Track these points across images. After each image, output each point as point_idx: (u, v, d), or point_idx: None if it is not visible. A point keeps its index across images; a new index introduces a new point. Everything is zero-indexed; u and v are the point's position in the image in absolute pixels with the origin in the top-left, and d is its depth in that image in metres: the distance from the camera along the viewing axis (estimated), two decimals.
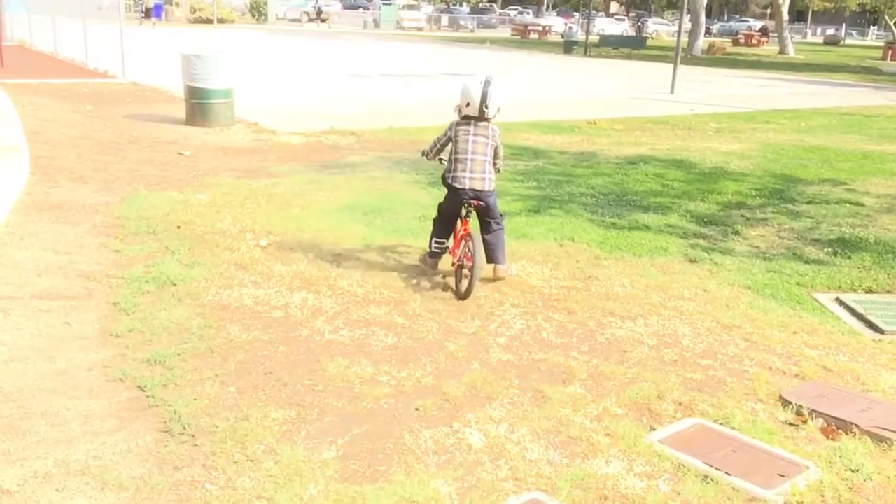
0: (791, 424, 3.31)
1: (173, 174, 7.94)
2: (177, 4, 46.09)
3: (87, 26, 17.77)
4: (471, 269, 4.61)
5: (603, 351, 4.04)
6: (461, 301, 4.68)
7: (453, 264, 4.93)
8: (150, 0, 39.07)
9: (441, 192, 5.17)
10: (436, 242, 5.04)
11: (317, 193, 7.23)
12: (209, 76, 10.78)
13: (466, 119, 4.84)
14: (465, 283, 4.70)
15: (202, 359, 3.76)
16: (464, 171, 4.78)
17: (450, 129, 4.92)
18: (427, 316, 4.41)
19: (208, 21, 40.77)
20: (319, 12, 53.71)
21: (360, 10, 57.12)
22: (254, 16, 48.32)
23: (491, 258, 4.91)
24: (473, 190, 4.75)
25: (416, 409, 3.34)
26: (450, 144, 4.94)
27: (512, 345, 4.06)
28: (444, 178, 4.98)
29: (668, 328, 4.40)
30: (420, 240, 5.93)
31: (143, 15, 35.96)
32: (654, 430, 3.22)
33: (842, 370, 3.90)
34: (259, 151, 9.47)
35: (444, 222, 5.04)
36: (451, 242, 5.03)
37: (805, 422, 3.30)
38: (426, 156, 5.21)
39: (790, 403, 3.42)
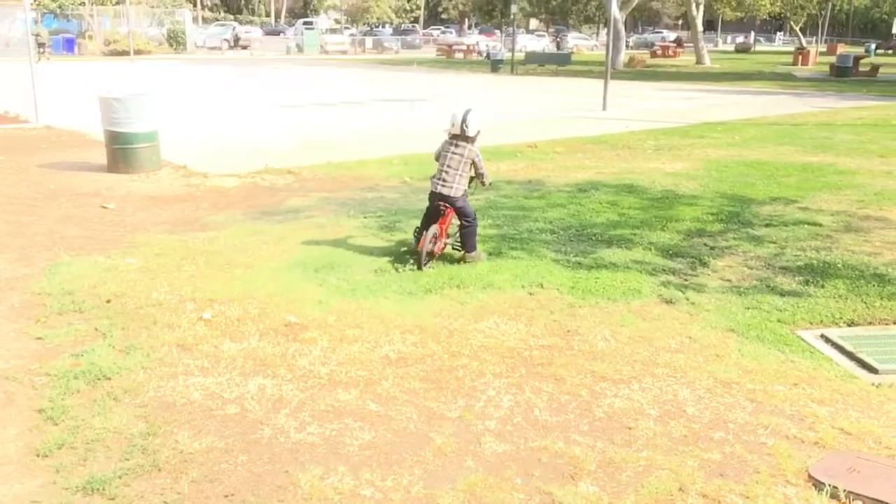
0: None
1: (98, 233, 7.25)
2: (90, 37, 44.29)
3: None
4: (419, 252, 6.08)
5: (605, 429, 3.65)
6: (420, 271, 6.00)
7: (418, 246, 6.21)
8: (43, 35, 37.06)
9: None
10: (416, 231, 6.39)
11: (260, 248, 6.68)
12: (131, 119, 10.07)
13: (453, 138, 6.15)
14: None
15: (148, 480, 3.21)
16: (438, 178, 6.16)
17: (441, 145, 6.26)
18: (403, 398, 3.94)
19: (124, 53, 39.22)
20: (237, 39, 52.59)
21: (281, 34, 56.31)
22: (171, 45, 46.83)
23: (462, 248, 6.33)
24: (441, 194, 6.13)
25: None
26: None
27: (504, 430, 3.63)
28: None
29: (666, 392, 4.06)
30: (381, 298, 5.48)
31: (41, 50, 34.13)
32: None
33: (860, 432, 3.62)
34: (191, 199, 8.83)
35: (425, 217, 6.35)
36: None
37: None
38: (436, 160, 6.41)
39: (823, 484, 3.10)
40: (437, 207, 6.19)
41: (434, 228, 6.16)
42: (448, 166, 6.09)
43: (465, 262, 6.27)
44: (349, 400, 3.91)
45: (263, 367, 4.29)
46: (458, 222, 6.31)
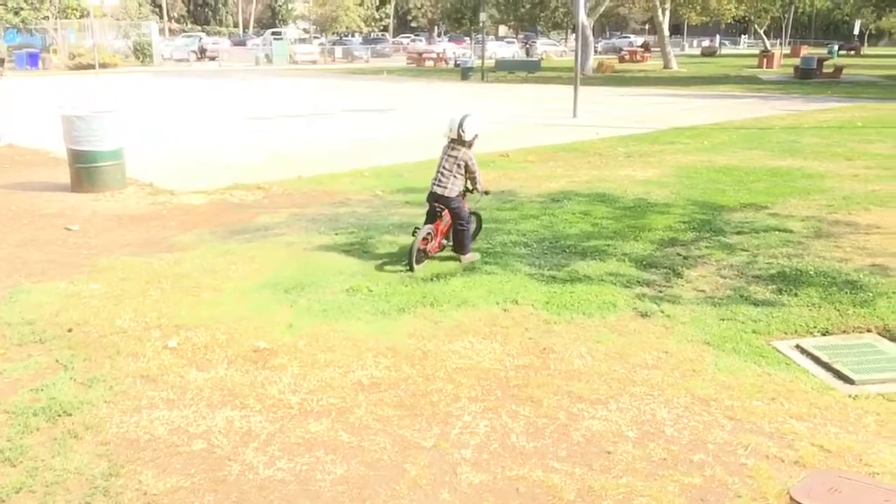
0: None
1: (61, 257, 7.05)
2: (55, 51, 43.58)
3: None
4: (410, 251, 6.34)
5: (583, 454, 3.58)
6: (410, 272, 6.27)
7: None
8: (2, 50, 36.27)
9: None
10: (415, 231, 6.53)
11: (229, 269, 6.53)
12: (94, 137, 9.84)
13: (451, 142, 6.46)
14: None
15: None
16: (434, 179, 6.50)
17: (442, 148, 6.57)
18: (376, 427, 3.83)
19: (90, 67, 38.65)
20: (204, 51, 52.15)
21: (250, 44, 55.99)
22: (138, 58, 46.30)
23: (455, 250, 6.65)
24: (435, 194, 6.47)
25: None
26: None
27: (481, 458, 3.54)
28: None
29: (644, 412, 3.99)
30: (353, 319, 5.37)
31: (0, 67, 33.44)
32: None
33: (839, 449, 3.59)
34: (158, 218, 8.64)
35: (426, 217, 6.64)
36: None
37: None
38: None
39: None
40: (433, 208, 6.53)
41: (427, 228, 6.45)
42: (443, 167, 6.43)
43: (460, 262, 6.54)
44: (320, 431, 3.79)
45: (231, 397, 4.16)
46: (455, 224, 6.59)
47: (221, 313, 5.43)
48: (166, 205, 9.29)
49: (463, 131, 6.39)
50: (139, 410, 4.02)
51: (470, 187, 6.63)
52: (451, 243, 6.75)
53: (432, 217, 6.58)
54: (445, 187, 6.41)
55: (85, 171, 9.91)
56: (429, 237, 6.51)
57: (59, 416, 3.96)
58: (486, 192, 6.93)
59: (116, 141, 10.07)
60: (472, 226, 7.05)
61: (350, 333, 5.07)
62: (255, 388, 4.26)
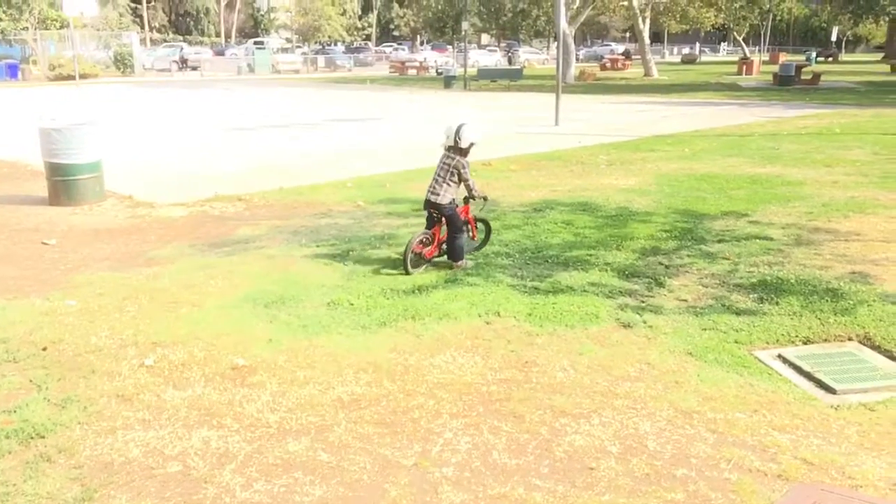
0: None
1: (37, 272, 6.94)
2: (34, 62, 43.19)
3: None
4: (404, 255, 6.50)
5: (566, 470, 3.53)
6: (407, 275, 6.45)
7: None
8: None
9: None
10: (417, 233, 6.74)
11: (208, 284, 6.44)
12: (72, 150, 9.73)
13: (448, 149, 6.60)
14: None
15: None
16: (429, 186, 6.64)
17: (441, 156, 6.68)
18: (356, 445, 3.77)
19: (70, 77, 38.30)
20: (185, 61, 51.94)
21: (229, 54, 55.88)
22: (119, 68, 45.97)
23: (448, 256, 6.74)
24: (429, 201, 6.61)
25: None
26: None
27: (462, 476, 3.49)
28: None
29: (627, 426, 3.96)
30: (334, 333, 5.31)
31: None
32: None
33: (822, 462, 3.57)
34: (136, 231, 8.54)
35: (426, 223, 6.83)
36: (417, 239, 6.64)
37: None
38: None
39: None
40: (430, 214, 6.69)
41: (422, 233, 6.60)
42: (437, 174, 6.58)
43: (451, 269, 6.67)
44: (299, 450, 3.73)
45: (209, 416, 4.08)
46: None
47: (199, 329, 5.35)
48: (145, 218, 9.19)
49: (459, 139, 6.50)
50: (114, 432, 3.93)
51: (467, 194, 6.74)
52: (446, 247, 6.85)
53: (431, 223, 6.70)
54: (438, 194, 6.53)
55: (62, 184, 9.78)
56: (425, 241, 6.62)
57: (32, 438, 3.87)
58: (485, 198, 6.99)
59: (95, 153, 9.96)
60: (481, 235, 7.30)
61: (330, 349, 5.01)
62: (232, 407, 4.18)
